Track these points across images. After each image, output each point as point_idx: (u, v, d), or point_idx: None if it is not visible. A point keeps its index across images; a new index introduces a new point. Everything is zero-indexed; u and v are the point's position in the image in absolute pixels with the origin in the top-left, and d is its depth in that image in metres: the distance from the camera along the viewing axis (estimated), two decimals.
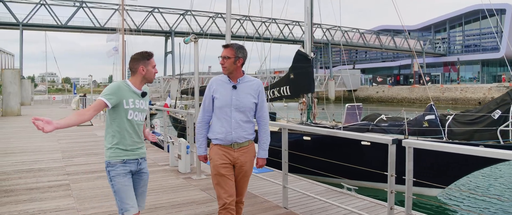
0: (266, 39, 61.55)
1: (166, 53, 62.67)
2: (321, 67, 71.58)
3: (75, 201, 5.26)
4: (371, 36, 72.25)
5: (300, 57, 12.44)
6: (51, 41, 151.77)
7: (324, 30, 65.01)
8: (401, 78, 64.37)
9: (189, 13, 56.27)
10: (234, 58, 3.21)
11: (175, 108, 22.24)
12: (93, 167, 7.71)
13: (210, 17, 58.55)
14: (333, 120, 13.81)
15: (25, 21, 49.55)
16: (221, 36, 49.69)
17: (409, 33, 77.26)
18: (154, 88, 54.58)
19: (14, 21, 48.92)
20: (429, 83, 60.52)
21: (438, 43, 78.44)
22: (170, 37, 59.14)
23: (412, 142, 3.17)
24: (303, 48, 12.42)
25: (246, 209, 4.39)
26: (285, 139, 4.81)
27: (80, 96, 30.46)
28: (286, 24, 63.81)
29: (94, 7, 53.40)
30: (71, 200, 5.31)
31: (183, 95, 23.69)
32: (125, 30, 39.48)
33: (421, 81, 54.54)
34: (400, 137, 8.80)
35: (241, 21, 57.20)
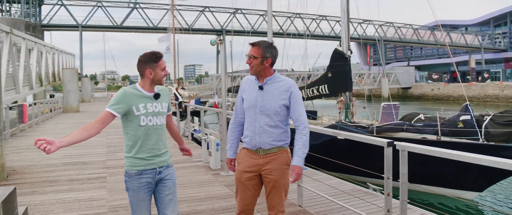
0: (317, 36, 60.83)
1: (218, 52, 63.88)
2: (375, 64, 69.91)
3: (107, 192, 5.69)
4: (425, 32, 69.46)
5: (337, 55, 12.36)
6: (110, 40, 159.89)
7: (376, 26, 63.38)
8: (458, 75, 61.35)
9: (239, 11, 57.10)
10: (261, 58, 2.92)
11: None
12: None
13: (261, 15, 58.97)
14: (374, 119, 13.60)
15: (83, 23, 52.60)
16: (263, 33, 49.98)
17: (466, 28, 73.44)
18: (207, 86, 55.80)
19: (74, 23, 52.13)
20: (488, 80, 57.18)
21: (498, 38, 73.87)
22: (221, 36, 60.23)
23: (405, 145, 3.18)
24: (340, 46, 12.34)
25: (260, 206, 4.53)
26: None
27: None
28: (337, 21, 62.87)
29: (147, 8, 55.60)
30: (104, 191, 5.75)
31: (228, 93, 24.12)
32: (176, 30, 40.71)
33: (480, 78, 51.75)
34: (433, 137, 8.59)
35: (292, 18, 57.21)
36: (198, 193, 5.68)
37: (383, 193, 5.49)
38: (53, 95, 35.18)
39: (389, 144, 3.36)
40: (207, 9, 58.06)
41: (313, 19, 60.93)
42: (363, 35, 62.61)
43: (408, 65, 69.73)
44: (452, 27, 70.68)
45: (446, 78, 60.28)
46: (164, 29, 45.19)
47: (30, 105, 16.73)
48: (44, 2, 53.05)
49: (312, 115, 13.94)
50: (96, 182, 6.35)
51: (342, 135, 4.27)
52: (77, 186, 6.12)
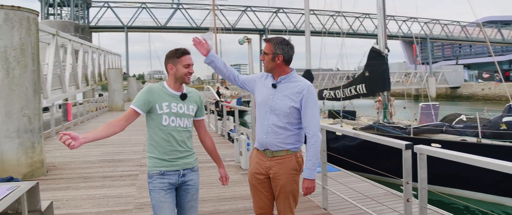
0: (355, 35, 59.48)
1: (261, 51, 64.03)
2: (422, 63, 67.58)
3: (136, 190, 5.83)
4: (474, 28, 66.29)
5: (374, 54, 12.03)
6: (156, 40, 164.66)
7: (422, 24, 61.28)
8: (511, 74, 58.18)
9: (281, 10, 57.07)
10: (272, 55, 2.82)
11: None
12: None
13: (303, 14, 58.50)
14: (415, 119, 13.13)
15: (129, 24, 54.43)
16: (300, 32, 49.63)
17: None
18: None
19: (120, 24, 54.06)
20: None
21: None
22: (264, 35, 60.49)
23: (424, 149, 3.01)
24: (377, 44, 12.01)
25: None
26: (323, 138, 4.81)
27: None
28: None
29: (190, 8, 56.71)
30: (133, 189, 5.89)
31: None
32: (217, 29, 41.24)
33: None
34: (473, 140, 8.16)
35: (334, 17, 56.43)
36: (224, 192, 5.70)
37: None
38: (102, 94, 36.61)
39: (407, 147, 3.19)
40: (249, 9, 58.42)
41: (356, 17, 59.86)
42: (408, 33, 60.66)
43: (457, 63, 66.93)
44: (503, 23, 66.99)
45: (497, 77, 57.29)
46: (206, 29, 45.93)
47: (74, 105, 17.46)
48: (92, 5, 55.40)
49: (350, 115, 13.67)
50: (128, 180, 6.52)
51: (350, 132, 4.15)
52: (108, 182, 6.31)
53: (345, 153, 10.00)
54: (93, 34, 55.04)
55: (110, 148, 9.95)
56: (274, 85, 2.86)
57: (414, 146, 3.11)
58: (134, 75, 68.76)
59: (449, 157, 2.86)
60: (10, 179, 3.74)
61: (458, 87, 54.97)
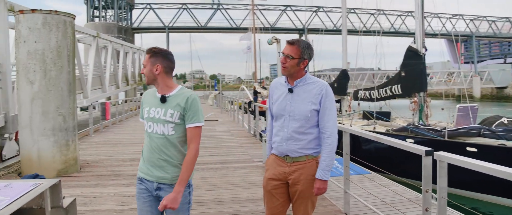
0: (391, 33, 57.90)
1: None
2: (466, 62, 64.98)
3: None
4: None
5: (411, 53, 11.65)
6: (198, 41, 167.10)
7: (468, 21, 58.84)
8: None
9: (321, 9, 56.63)
10: (299, 60, 2.70)
11: None
12: (200, 159, 8.40)
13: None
14: (453, 121, 12.62)
15: (170, 25, 55.73)
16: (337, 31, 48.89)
17: None
18: None
19: (161, 25, 55.46)
20: None
21: None
22: (303, 34, 60.23)
23: (444, 156, 2.84)
24: (414, 43, 11.62)
25: None
26: (346, 142, 4.71)
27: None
28: (425, 18, 59.43)
29: (230, 9, 57.33)
30: None
31: None
32: (256, 29, 41.39)
33: None
34: (510, 144, 7.73)
35: (375, 15, 55.27)
36: (246, 194, 5.69)
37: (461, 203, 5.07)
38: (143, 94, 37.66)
39: (427, 153, 3.04)
40: (288, 8, 58.39)
41: (398, 15, 58.40)
42: (452, 31, 58.44)
43: (505, 62, 63.76)
44: None
45: None
46: (245, 29, 46.25)
47: (113, 104, 18.00)
48: (135, 7, 57.18)
49: (385, 116, 13.33)
50: None
51: (367, 135, 4.02)
52: (136, 181, 6.44)
53: (377, 155, 9.77)
54: (136, 35, 56.78)
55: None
56: (290, 90, 2.77)
57: (434, 152, 2.95)
58: (175, 75, 70.33)
59: (470, 166, 2.70)
60: (36, 176, 3.93)
61: (505, 88, 52.44)
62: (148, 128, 2.53)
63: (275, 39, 5.80)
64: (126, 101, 21.90)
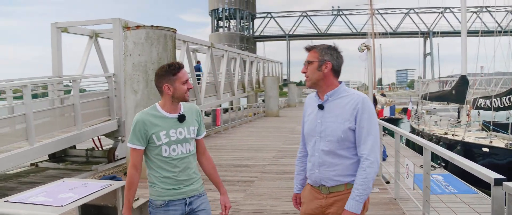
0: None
1: (425, 55, 59.92)
2: None
3: (243, 196, 6.02)
4: None
5: None
6: None
7: None
8: None
9: (448, 10, 52.10)
10: (318, 62, 2.34)
11: (416, 114, 21.06)
12: (290, 168, 8.22)
13: (474, 12, 52.33)
14: None
15: (290, 32, 56.81)
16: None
17: None
18: (413, 92, 52.73)
19: (282, 33, 56.87)
20: None
21: None
22: (428, 38, 56.24)
23: None
24: None
25: None
26: (427, 160, 4.21)
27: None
28: None
29: (350, 14, 56.21)
30: (242, 195, 6.09)
31: (423, 101, 21.93)
32: (375, 34, 39.91)
33: None
34: None
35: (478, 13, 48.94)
36: (276, 207, 5.51)
37: None
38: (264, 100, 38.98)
39: (497, 182, 2.45)
40: (412, 11, 54.98)
41: (509, 11, 50.60)
42: None
43: None
44: None
45: None
46: (364, 34, 44.92)
47: (225, 111, 18.82)
48: (256, 16, 59.64)
49: (504, 129, 11.54)
50: (242, 185, 6.77)
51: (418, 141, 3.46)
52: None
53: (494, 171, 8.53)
54: (258, 43, 59.13)
55: (245, 153, 10.48)
56: (320, 106, 2.37)
57: (504, 182, 2.35)
58: (297, 83, 71.41)
59: None
60: (113, 178, 4.30)
61: None
62: (172, 152, 2.46)
63: (365, 46, 5.48)
64: (245, 107, 22.70)
